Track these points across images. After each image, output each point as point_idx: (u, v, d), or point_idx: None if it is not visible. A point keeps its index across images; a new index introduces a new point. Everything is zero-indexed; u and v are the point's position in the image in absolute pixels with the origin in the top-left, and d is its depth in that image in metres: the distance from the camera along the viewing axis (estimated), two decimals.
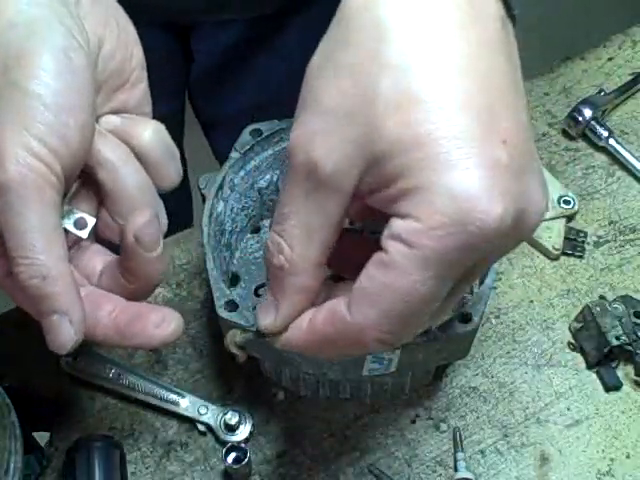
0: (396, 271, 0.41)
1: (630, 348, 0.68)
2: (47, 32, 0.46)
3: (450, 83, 0.40)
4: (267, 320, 0.48)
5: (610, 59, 0.89)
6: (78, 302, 0.47)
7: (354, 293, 0.43)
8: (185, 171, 1.08)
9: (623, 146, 0.81)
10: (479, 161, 0.39)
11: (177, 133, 1.03)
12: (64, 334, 0.47)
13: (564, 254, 0.76)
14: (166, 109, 0.96)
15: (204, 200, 0.66)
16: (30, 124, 0.45)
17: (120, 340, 0.49)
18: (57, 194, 0.46)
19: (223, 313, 0.60)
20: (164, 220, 0.54)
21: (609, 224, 0.78)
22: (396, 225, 0.41)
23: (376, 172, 0.41)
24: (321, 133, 0.42)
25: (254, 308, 0.69)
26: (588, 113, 0.82)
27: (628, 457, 0.66)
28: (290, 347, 0.48)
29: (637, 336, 0.68)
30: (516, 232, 0.41)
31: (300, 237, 0.44)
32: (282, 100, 0.77)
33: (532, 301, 0.74)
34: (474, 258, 0.41)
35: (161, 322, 0.49)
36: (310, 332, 0.46)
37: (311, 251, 0.45)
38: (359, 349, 0.45)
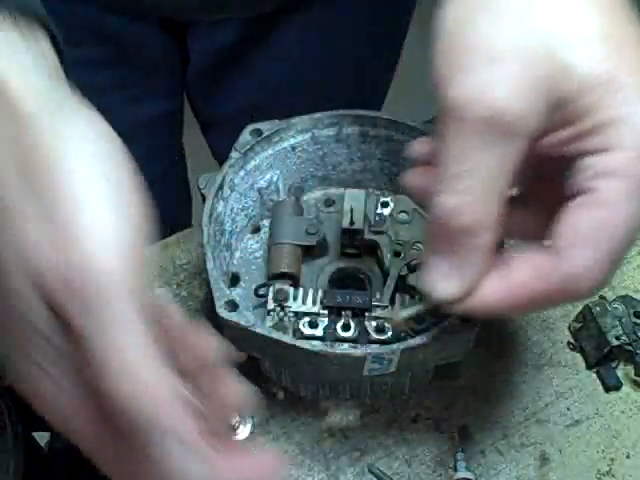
0: (611, 207, 0.41)
1: (630, 348, 0.68)
2: None
3: (622, 21, 0.42)
4: (451, 289, 0.45)
5: None
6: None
7: (563, 240, 0.42)
8: (185, 171, 1.09)
9: None
10: None
11: (176, 132, 1.03)
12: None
13: None
14: (165, 108, 0.96)
15: (204, 200, 0.66)
16: None
17: None
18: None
19: (223, 313, 0.60)
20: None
21: None
22: (599, 161, 0.41)
23: (564, 111, 0.41)
24: (501, 79, 0.41)
25: (254, 308, 0.69)
26: None
27: (628, 457, 0.66)
28: (483, 308, 0.45)
29: (637, 336, 0.68)
30: None
31: (483, 194, 0.42)
32: (280, 100, 0.77)
33: None
34: None
35: None
36: (511, 291, 0.44)
37: (494, 206, 0.43)
38: (568, 298, 0.44)
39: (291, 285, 0.68)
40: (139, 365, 0.37)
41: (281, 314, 0.65)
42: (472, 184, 0.42)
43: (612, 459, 0.66)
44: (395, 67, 1.03)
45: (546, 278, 0.43)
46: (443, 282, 0.45)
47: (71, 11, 0.80)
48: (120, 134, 0.96)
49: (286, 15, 0.85)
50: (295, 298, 0.66)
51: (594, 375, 0.70)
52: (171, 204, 1.07)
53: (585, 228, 0.42)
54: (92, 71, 0.84)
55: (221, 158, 0.70)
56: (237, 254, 0.72)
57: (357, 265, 0.71)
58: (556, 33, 0.41)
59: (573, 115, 0.41)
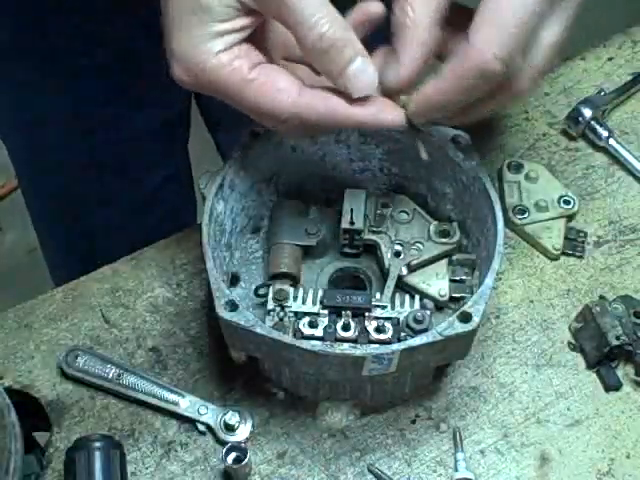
0: None
1: (630, 348, 0.68)
2: None
3: None
4: (390, 76, 0.58)
5: (610, 59, 0.89)
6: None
7: (473, 23, 0.54)
8: (189, 170, 1.09)
9: (623, 146, 0.81)
10: None
11: (184, 134, 1.03)
12: (369, 71, 0.56)
13: (564, 254, 0.76)
14: (174, 111, 0.96)
15: (204, 200, 0.66)
16: None
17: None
18: None
19: (223, 313, 0.60)
20: None
21: (609, 224, 0.78)
22: None
23: None
24: None
25: (254, 308, 0.69)
26: (588, 113, 0.81)
27: (628, 457, 0.66)
28: (424, 106, 0.58)
29: (637, 336, 0.68)
30: None
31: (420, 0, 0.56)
32: None
33: (532, 301, 0.74)
34: None
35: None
36: (437, 83, 0.57)
37: (429, 10, 0.56)
38: (483, 78, 0.55)
39: (291, 285, 0.68)
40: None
41: (281, 314, 0.65)
42: None
43: (612, 459, 0.66)
44: None
45: (463, 63, 0.55)
46: (387, 70, 0.58)
47: (76, 22, 0.80)
48: (130, 139, 0.96)
49: None
50: (295, 298, 0.66)
51: (594, 375, 0.70)
52: (179, 204, 1.07)
53: (486, 12, 0.54)
54: (105, 77, 0.85)
55: (228, 156, 0.69)
56: (237, 254, 0.72)
57: (357, 265, 0.71)
58: None
59: None
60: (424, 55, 0.58)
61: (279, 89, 0.57)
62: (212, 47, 0.56)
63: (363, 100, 0.57)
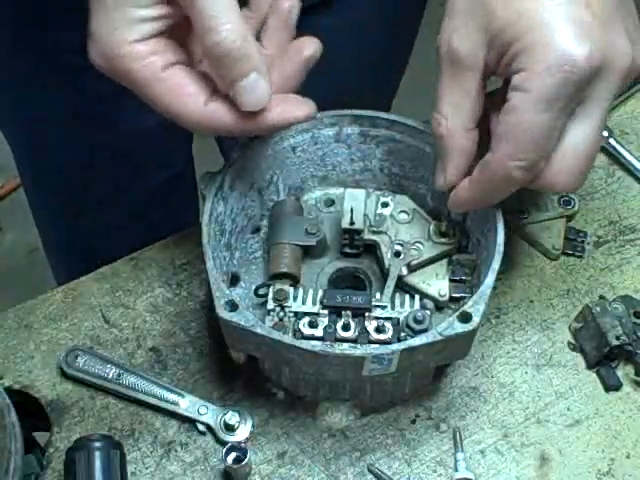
0: (518, 111, 0.56)
1: (630, 348, 0.68)
2: None
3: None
4: (439, 181, 0.64)
5: None
6: (265, 64, 0.58)
7: (492, 138, 0.59)
8: (191, 170, 1.09)
9: (623, 146, 0.81)
10: (568, 21, 0.55)
11: (186, 134, 1.03)
12: (262, 88, 0.57)
13: (564, 254, 0.76)
14: None
15: (204, 200, 0.66)
16: None
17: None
18: None
19: (223, 313, 0.60)
20: None
21: (609, 224, 0.78)
22: (514, 79, 0.57)
23: (496, 46, 0.57)
24: (455, 28, 0.59)
25: (254, 308, 0.69)
26: None
27: (628, 457, 0.66)
28: (459, 202, 0.64)
29: (637, 336, 0.68)
30: (607, 72, 0.56)
31: (452, 110, 0.61)
32: None
33: (532, 301, 0.74)
34: (574, 93, 0.56)
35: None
36: (470, 185, 0.62)
37: (461, 119, 0.61)
38: (508, 182, 0.59)
39: (291, 285, 0.68)
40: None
41: (281, 314, 0.65)
42: (444, 104, 0.61)
43: (612, 459, 0.66)
44: (403, 72, 1.03)
45: (488, 170, 0.60)
46: (436, 177, 0.64)
47: (77, 20, 0.80)
48: (131, 139, 0.96)
49: (305, 12, 0.85)
50: (295, 298, 0.66)
51: (594, 375, 0.70)
52: (180, 204, 1.07)
53: (502, 128, 0.58)
54: (103, 77, 0.85)
55: (229, 157, 0.69)
56: (237, 254, 0.72)
57: (357, 265, 0.71)
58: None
59: (504, 46, 0.57)
60: (464, 160, 0.62)
61: (188, 94, 0.58)
62: (128, 35, 0.56)
63: (272, 102, 0.59)
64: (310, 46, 0.63)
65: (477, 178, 0.61)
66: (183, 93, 0.57)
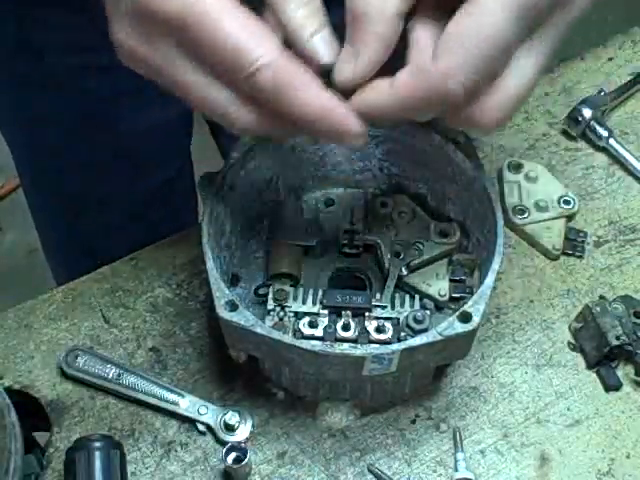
0: (485, 14, 0.46)
1: (630, 348, 0.68)
2: None
3: None
4: (345, 70, 0.50)
5: (610, 59, 0.89)
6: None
7: (441, 41, 0.47)
8: (191, 170, 1.09)
9: (623, 146, 0.81)
10: None
11: (187, 135, 1.03)
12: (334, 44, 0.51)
13: (564, 254, 0.76)
14: (176, 112, 0.96)
15: (204, 200, 0.66)
16: None
17: None
18: None
19: (223, 313, 0.60)
20: None
21: (609, 224, 0.78)
22: None
23: None
24: None
25: (254, 308, 0.69)
26: (588, 113, 0.82)
27: (628, 457, 0.66)
28: (372, 107, 0.50)
29: (637, 336, 0.68)
30: None
31: None
32: None
33: (532, 301, 0.74)
34: (548, 5, 0.47)
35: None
36: (393, 91, 0.49)
37: (391, 3, 0.49)
38: (440, 100, 0.48)
39: (291, 285, 0.68)
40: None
41: (281, 314, 0.65)
42: None
43: (612, 459, 0.66)
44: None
45: (423, 76, 0.48)
46: (340, 63, 0.51)
47: (78, 20, 0.80)
48: (131, 139, 0.96)
49: None
50: (295, 298, 0.66)
51: (594, 375, 0.70)
52: (180, 204, 1.07)
53: (458, 33, 0.47)
54: (107, 77, 0.85)
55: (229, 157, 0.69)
56: (237, 254, 0.72)
57: (357, 265, 0.71)
58: None
59: None
60: (384, 52, 0.50)
61: (261, 32, 0.50)
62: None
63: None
64: None
65: (404, 85, 0.49)
66: (257, 30, 0.49)
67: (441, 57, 0.47)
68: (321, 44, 0.51)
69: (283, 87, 0.49)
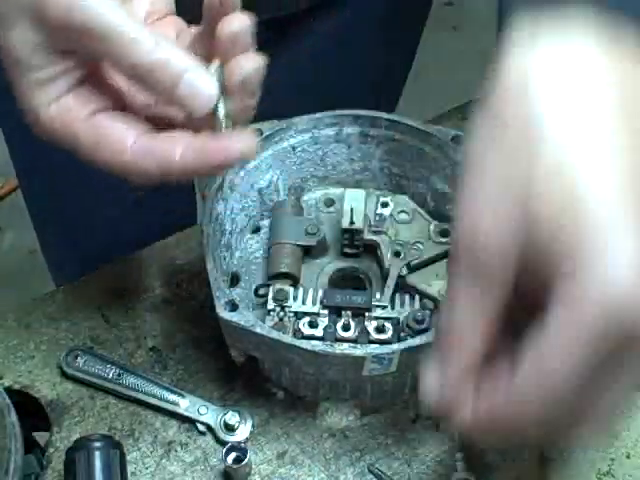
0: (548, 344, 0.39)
1: None
2: None
3: (608, 178, 0.39)
4: (430, 383, 0.45)
5: None
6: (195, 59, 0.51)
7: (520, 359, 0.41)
8: None
9: None
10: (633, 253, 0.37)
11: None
12: (203, 85, 0.51)
13: None
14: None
15: (204, 200, 0.66)
16: None
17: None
18: None
19: (223, 313, 0.60)
20: None
21: None
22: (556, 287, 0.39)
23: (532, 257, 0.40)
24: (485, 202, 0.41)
25: (254, 308, 0.69)
26: None
27: (628, 457, 0.66)
28: (465, 426, 0.44)
29: None
30: None
31: (468, 325, 0.43)
32: (289, 106, 0.77)
33: None
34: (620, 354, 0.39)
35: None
36: (475, 417, 0.43)
37: (476, 341, 0.42)
38: (519, 435, 0.44)
39: (291, 285, 0.68)
40: None
41: (281, 314, 0.65)
42: (457, 315, 0.43)
43: (612, 459, 0.66)
44: (407, 74, 1.03)
45: (502, 396, 0.42)
46: (425, 375, 0.45)
47: None
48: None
49: (297, 22, 0.85)
50: (295, 298, 0.66)
51: None
52: (179, 204, 1.07)
53: (525, 381, 0.40)
54: None
55: None
56: (237, 254, 0.72)
57: (357, 265, 0.71)
58: (538, 194, 0.40)
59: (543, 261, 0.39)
60: (472, 360, 0.43)
61: (111, 141, 0.53)
62: (40, 99, 0.53)
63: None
64: (248, 63, 0.54)
65: (483, 415, 0.43)
66: (106, 145, 0.53)
67: (518, 371, 0.41)
68: (186, 92, 0.51)
69: (144, 176, 0.55)
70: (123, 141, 0.53)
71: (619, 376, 0.40)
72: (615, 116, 0.40)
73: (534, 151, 0.40)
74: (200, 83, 0.51)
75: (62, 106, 0.53)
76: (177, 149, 0.52)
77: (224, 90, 0.52)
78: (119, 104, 0.56)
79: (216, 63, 0.53)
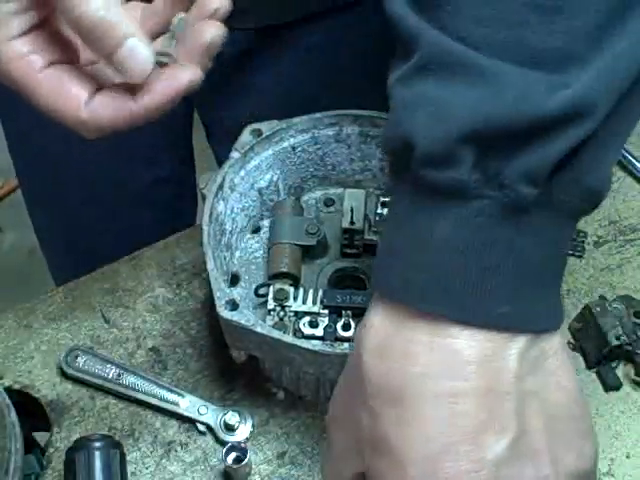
0: None
1: (630, 348, 0.68)
2: None
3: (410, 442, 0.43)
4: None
5: None
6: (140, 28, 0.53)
7: None
8: (192, 171, 1.09)
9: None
10: None
11: (186, 134, 1.03)
12: (143, 53, 0.52)
13: None
14: (175, 110, 0.96)
15: (204, 200, 0.66)
16: None
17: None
18: None
19: (223, 313, 0.60)
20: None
21: (609, 224, 0.78)
22: None
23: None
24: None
25: (254, 308, 0.69)
26: None
27: (628, 457, 0.66)
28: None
29: (637, 336, 0.68)
30: None
31: None
32: (284, 111, 0.77)
33: None
34: None
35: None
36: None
37: None
38: None
39: (291, 285, 0.68)
40: None
41: (281, 314, 0.65)
42: None
43: (612, 459, 0.66)
44: None
45: None
46: None
47: None
48: (130, 139, 0.96)
49: (293, 28, 0.85)
50: (295, 298, 0.66)
51: (594, 375, 0.70)
52: (180, 203, 1.07)
53: None
54: None
55: (227, 158, 0.69)
56: (237, 254, 0.72)
57: (357, 265, 0.71)
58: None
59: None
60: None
61: (68, 96, 0.54)
62: (3, 33, 0.53)
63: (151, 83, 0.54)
64: (210, 30, 0.55)
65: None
66: (63, 95, 0.54)
67: None
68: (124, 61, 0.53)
69: (101, 131, 0.56)
70: (79, 96, 0.54)
71: None
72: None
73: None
74: (140, 51, 0.52)
75: (26, 47, 0.54)
76: (131, 97, 0.54)
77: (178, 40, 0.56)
78: (70, 58, 0.57)
79: (180, 15, 0.55)
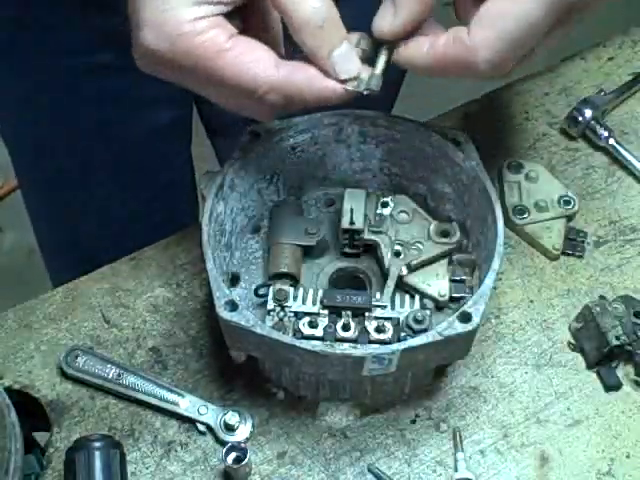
0: (514, 1, 0.53)
1: (630, 348, 0.68)
2: None
3: None
4: (382, 24, 0.57)
5: (610, 59, 0.89)
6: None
7: (476, 18, 0.54)
8: (191, 170, 1.09)
9: (623, 146, 0.81)
10: None
11: (186, 137, 1.03)
12: (354, 58, 0.58)
13: (564, 254, 0.76)
14: (176, 115, 0.96)
15: (204, 200, 0.66)
16: None
17: None
18: None
19: (223, 313, 0.60)
20: None
21: (609, 224, 0.78)
22: None
23: None
24: None
25: (254, 308, 0.69)
26: (588, 113, 0.82)
27: (628, 457, 0.66)
28: (410, 62, 0.58)
29: (637, 336, 0.68)
30: None
31: None
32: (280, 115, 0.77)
33: (532, 301, 0.74)
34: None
35: None
36: (431, 52, 0.57)
37: None
38: (471, 70, 0.56)
39: (291, 285, 0.68)
40: None
41: (281, 314, 0.65)
42: None
43: (612, 459, 0.66)
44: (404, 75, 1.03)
45: (457, 46, 0.55)
46: (380, 17, 0.58)
47: (86, 19, 0.80)
48: (131, 140, 0.96)
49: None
50: (295, 298, 0.66)
51: (594, 375, 0.70)
52: (182, 206, 1.07)
53: (490, 14, 0.54)
54: (108, 78, 0.84)
55: (228, 158, 0.69)
56: (237, 254, 0.72)
57: (357, 265, 0.71)
58: None
59: None
60: (423, 13, 0.57)
61: (256, 60, 0.56)
62: (187, 14, 0.55)
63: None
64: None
65: (440, 49, 0.57)
66: (251, 59, 0.56)
67: (477, 31, 0.54)
68: (339, 61, 0.57)
69: (289, 97, 0.57)
70: (266, 61, 0.57)
71: (566, 29, 0.57)
72: None
73: None
74: (352, 57, 0.57)
75: (208, 24, 0.56)
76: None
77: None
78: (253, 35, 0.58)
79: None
